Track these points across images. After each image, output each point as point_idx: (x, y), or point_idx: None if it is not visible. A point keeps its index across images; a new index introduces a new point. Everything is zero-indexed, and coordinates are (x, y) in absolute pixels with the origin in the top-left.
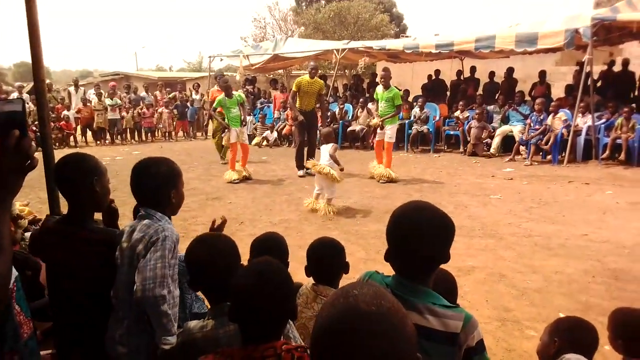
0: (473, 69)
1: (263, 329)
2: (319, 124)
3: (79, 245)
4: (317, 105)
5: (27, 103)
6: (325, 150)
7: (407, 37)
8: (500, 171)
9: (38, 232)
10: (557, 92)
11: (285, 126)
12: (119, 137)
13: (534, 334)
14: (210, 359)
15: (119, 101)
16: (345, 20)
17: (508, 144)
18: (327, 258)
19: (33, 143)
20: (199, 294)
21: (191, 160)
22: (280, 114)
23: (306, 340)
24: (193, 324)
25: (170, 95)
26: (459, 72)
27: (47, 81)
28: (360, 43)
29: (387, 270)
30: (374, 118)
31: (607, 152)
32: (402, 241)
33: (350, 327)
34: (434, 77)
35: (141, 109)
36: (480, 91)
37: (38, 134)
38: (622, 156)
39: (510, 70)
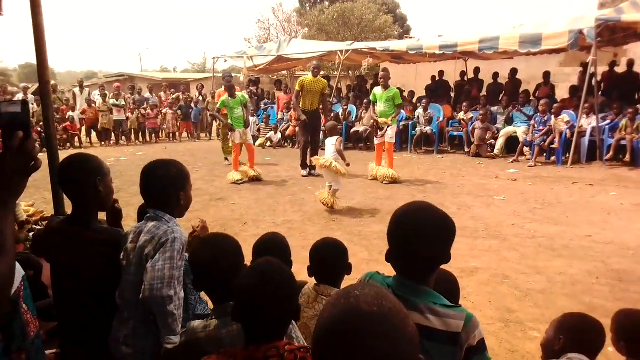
0: (477, 70)
1: (266, 329)
2: (323, 125)
3: (83, 245)
4: (321, 107)
5: (32, 104)
6: (330, 143)
7: (410, 38)
8: (504, 172)
9: (42, 232)
10: (562, 93)
11: (289, 127)
12: (123, 137)
13: (537, 335)
14: (213, 358)
15: (123, 102)
16: (349, 21)
17: (512, 145)
18: (330, 259)
19: (37, 144)
20: (203, 295)
21: (195, 161)
22: (284, 115)
23: (308, 340)
24: (196, 323)
25: (174, 96)
26: (463, 73)
27: (52, 82)
28: (364, 44)
29: (390, 271)
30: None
31: (612, 153)
32: (403, 241)
33: (351, 328)
34: (437, 78)
35: (145, 109)
36: (484, 92)
37: (43, 134)
38: (627, 157)
39: (514, 71)
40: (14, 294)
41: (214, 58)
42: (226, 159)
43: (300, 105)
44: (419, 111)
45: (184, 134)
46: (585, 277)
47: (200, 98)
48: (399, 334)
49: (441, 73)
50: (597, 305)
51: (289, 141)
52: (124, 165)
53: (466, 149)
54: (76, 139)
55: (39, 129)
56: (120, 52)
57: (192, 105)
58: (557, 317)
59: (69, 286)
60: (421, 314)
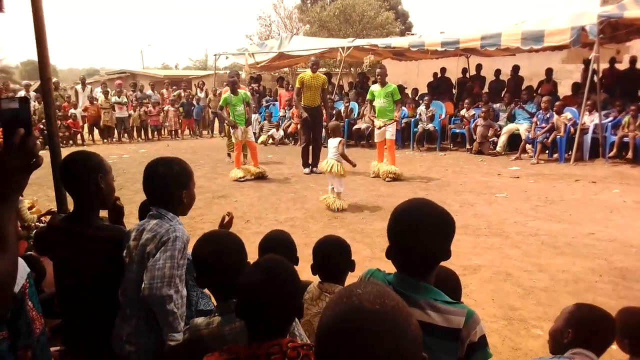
0: (479, 67)
1: (269, 326)
2: (324, 121)
3: (85, 242)
4: (322, 103)
5: (34, 102)
6: (332, 145)
7: (412, 34)
8: (506, 169)
9: (44, 230)
10: (564, 90)
11: (291, 124)
12: (125, 135)
13: (540, 332)
14: (216, 356)
15: (125, 99)
16: (350, 18)
17: (514, 143)
18: (333, 256)
19: (38, 141)
20: (205, 291)
21: (197, 159)
22: (285, 112)
23: (311, 337)
24: (199, 320)
25: (175, 94)
26: (465, 70)
27: (54, 79)
28: (366, 41)
29: (392, 268)
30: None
31: (614, 150)
32: (402, 238)
33: (353, 326)
34: (439, 75)
35: (147, 106)
36: (486, 89)
37: (45, 132)
38: (630, 154)
39: (516, 68)
40: (19, 291)
41: (215, 55)
42: (229, 154)
43: (302, 102)
44: (421, 108)
45: (186, 132)
46: (588, 275)
47: (202, 95)
48: (401, 332)
49: (443, 70)
50: (600, 303)
51: (290, 138)
52: (127, 162)
53: (468, 146)
54: (78, 136)
55: (41, 126)
56: (121, 49)
57: (194, 102)
58: (569, 307)
59: (71, 283)
60: (422, 310)
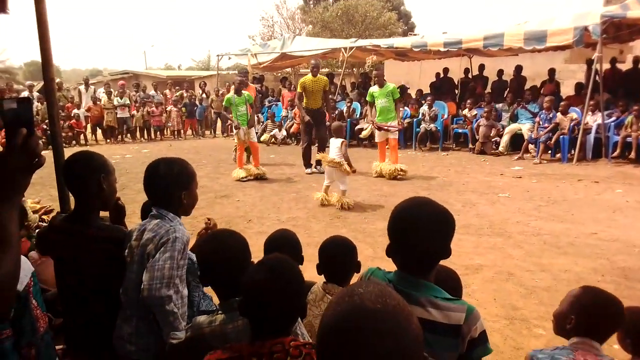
0: (481, 67)
1: (273, 325)
2: (327, 120)
3: (85, 242)
4: (324, 104)
5: (36, 102)
6: (335, 145)
7: (415, 35)
8: (509, 169)
9: (45, 230)
10: (567, 90)
11: (293, 124)
12: (128, 135)
13: (542, 332)
14: (218, 354)
15: (127, 101)
16: (352, 18)
17: (517, 142)
18: (339, 257)
19: (41, 141)
20: (207, 291)
21: (200, 159)
22: (288, 112)
23: (313, 338)
24: (202, 319)
25: (178, 94)
26: (467, 70)
27: (57, 80)
28: (368, 41)
29: (393, 267)
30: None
31: (617, 150)
32: (402, 236)
33: (355, 326)
34: (442, 75)
35: (150, 107)
36: (488, 89)
37: (48, 132)
38: (632, 154)
39: (519, 68)
40: (23, 289)
41: (218, 55)
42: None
43: (304, 105)
44: (424, 108)
45: (189, 132)
46: (590, 275)
47: (204, 95)
48: (402, 331)
49: (446, 70)
50: None
51: (293, 138)
52: (129, 162)
53: (471, 146)
54: (81, 136)
55: (45, 126)
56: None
57: (197, 102)
58: (575, 290)
59: (72, 283)
60: (422, 308)
